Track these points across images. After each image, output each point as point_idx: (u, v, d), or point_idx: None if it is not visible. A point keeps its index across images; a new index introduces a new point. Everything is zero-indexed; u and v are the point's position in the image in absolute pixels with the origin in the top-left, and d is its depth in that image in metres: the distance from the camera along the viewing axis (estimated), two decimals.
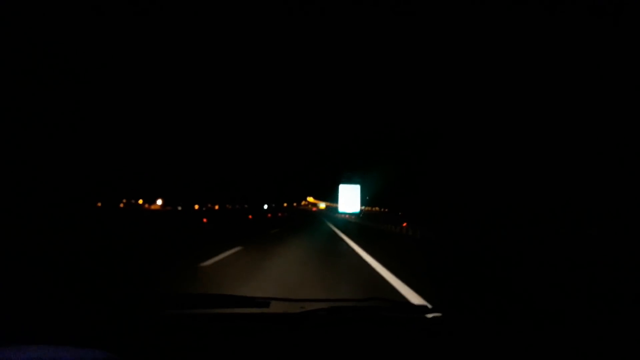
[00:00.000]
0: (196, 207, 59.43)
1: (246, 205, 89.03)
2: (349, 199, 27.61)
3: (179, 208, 49.97)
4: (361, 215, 29.90)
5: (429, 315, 0.97)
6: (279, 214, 45.45)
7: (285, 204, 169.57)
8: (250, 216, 30.54)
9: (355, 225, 21.42)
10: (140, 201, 55.67)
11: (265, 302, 0.94)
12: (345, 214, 34.02)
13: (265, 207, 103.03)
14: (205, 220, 19.93)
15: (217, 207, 69.37)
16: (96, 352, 0.60)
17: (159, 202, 56.96)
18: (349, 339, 0.79)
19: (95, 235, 8.55)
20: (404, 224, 14.35)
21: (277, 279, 4.00)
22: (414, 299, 3.03)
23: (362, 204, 28.32)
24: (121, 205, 55.56)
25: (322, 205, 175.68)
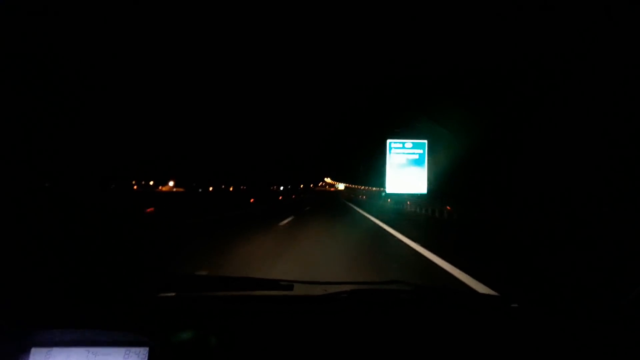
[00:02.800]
0: (210, 188, 59.17)
1: (253, 187, 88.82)
2: (407, 168, 12.86)
3: (164, 189, 48.84)
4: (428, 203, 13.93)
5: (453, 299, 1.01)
6: (293, 196, 44.50)
7: (301, 185, 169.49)
8: (280, 197, 33.86)
9: None
10: (152, 182, 55.62)
11: (289, 284, 0.96)
12: (394, 197, 17.77)
13: (282, 188, 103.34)
14: (252, 200, 23.06)
15: (231, 188, 68.99)
16: (127, 334, 0.67)
17: (171, 183, 56.67)
18: (370, 320, 0.81)
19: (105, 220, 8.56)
20: None
21: None
22: None
23: (431, 179, 13.25)
24: (135, 187, 56.15)
25: (340, 186, 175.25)
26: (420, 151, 13.17)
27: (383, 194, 17.93)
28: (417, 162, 13.11)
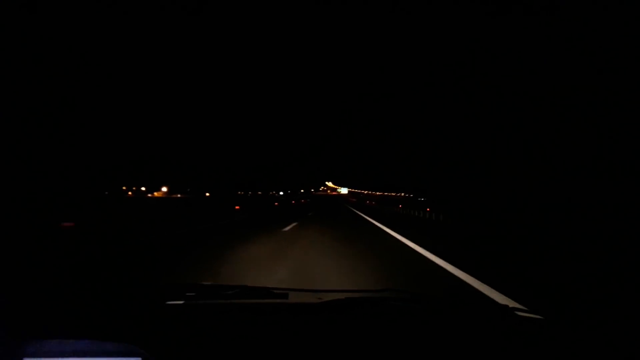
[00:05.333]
0: (207, 194, 58.28)
1: (258, 192, 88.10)
2: None
3: (157, 195, 47.73)
4: None
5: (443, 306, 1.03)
6: (302, 200, 43.25)
7: (302, 190, 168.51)
8: (293, 201, 35.34)
9: None
10: (143, 188, 54.67)
11: (284, 293, 0.99)
12: None
13: (282, 193, 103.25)
14: (276, 204, 24.81)
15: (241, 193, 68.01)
16: (119, 344, 0.68)
17: (164, 189, 55.59)
18: (365, 328, 0.83)
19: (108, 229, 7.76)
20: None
21: None
22: None
23: None
24: (129, 193, 55.35)
25: (343, 190, 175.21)
26: None
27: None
28: None
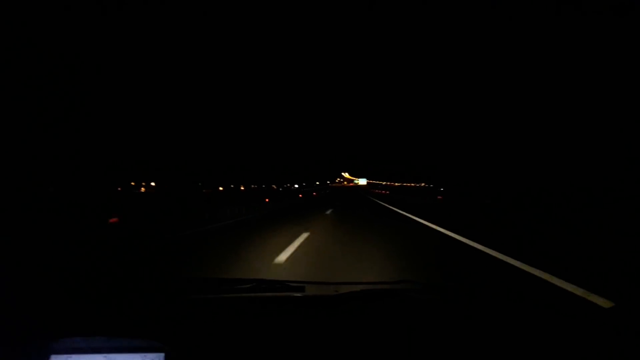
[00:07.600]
0: (221, 188, 57.16)
1: (274, 186, 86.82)
2: None
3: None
4: None
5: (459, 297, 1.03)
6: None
7: (317, 182, 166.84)
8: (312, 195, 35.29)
9: None
10: (153, 184, 53.79)
11: (300, 286, 0.99)
12: None
13: (296, 186, 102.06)
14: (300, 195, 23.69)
15: (242, 187, 66.88)
16: (143, 340, 0.70)
17: (152, 184, 53.99)
18: (381, 320, 0.82)
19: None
20: None
21: None
22: None
23: None
24: (142, 189, 54.97)
25: (361, 181, 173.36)
26: None
27: None
28: None
